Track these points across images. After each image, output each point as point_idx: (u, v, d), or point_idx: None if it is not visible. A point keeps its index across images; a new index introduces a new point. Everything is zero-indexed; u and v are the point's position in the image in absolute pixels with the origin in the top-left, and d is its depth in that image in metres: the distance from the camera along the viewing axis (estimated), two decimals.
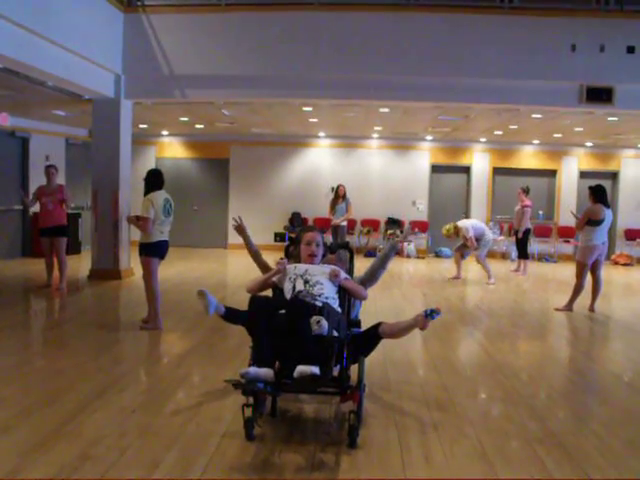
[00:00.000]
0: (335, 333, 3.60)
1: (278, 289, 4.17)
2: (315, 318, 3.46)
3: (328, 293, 3.91)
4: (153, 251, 6.30)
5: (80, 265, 11.37)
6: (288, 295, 3.93)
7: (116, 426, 3.68)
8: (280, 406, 4.03)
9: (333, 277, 3.99)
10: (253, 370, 3.41)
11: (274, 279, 4.18)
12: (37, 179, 12.91)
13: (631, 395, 4.84)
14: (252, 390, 3.38)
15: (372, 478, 3.12)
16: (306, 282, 3.94)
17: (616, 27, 8.98)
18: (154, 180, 6.36)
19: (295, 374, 3.32)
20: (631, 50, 8.85)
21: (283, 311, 3.70)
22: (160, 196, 6.30)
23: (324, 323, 3.44)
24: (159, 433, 3.61)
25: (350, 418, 3.49)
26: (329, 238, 11.51)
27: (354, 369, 3.93)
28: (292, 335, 3.51)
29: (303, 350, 3.43)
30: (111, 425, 3.70)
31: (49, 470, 3.05)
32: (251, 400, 3.53)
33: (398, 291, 9.97)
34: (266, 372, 3.40)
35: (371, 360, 4.45)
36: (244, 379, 3.39)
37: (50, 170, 8.87)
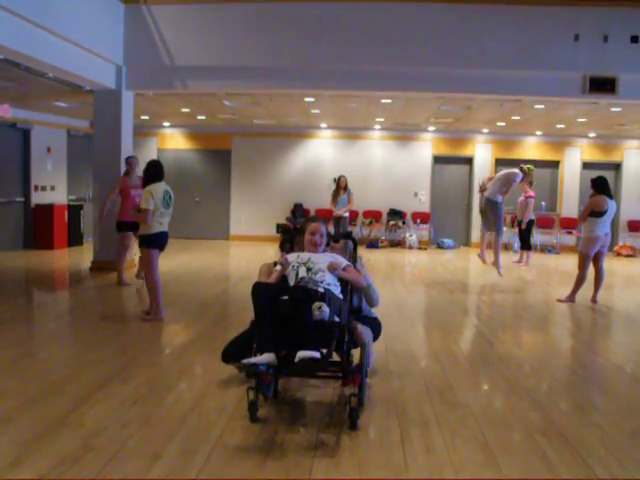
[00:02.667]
0: (336, 319, 3.69)
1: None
2: (317, 304, 3.57)
3: (330, 280, 3.99)
4: (153, 242, 6.31)
5: (82, 257, 11.39)
6: (291, 282, 4.00)
7: (118, 417, 3.69)
8: (283, 389, 4.10)
9: (332, 269, 4.05)
10: (254, 359, 3.48)
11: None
12: (38, 171, 12.96)
13: (633, 386, 4.83)
14: (255, 372, 3.48)
15: (374, 465, 3.13)
16: (309, 269, 4.02)
17: (620, 17, 8.91)
18: (154, 171, 6.36)
19: (296, 359, 3.41)
20: (635, 40, 8.78)
21: (285, 297, 3.73)
22: (160, 187, 6.31)
23: (325, 309, 3.56)
24: (161, 423, 3.62)
25: (351, 401, 3.59)
26: (331, 229, 11.51)
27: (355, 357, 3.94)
28: (294, 321, 3.58)
29: (304, 335, 3.51)
30: (113, 416, 3.70)
31: (51, 460, 3.06)
32: (255, 383, 3.64)
33: (400, 282, 9.96)
34: (267, 357, 3.48)
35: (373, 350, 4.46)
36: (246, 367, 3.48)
37: (131, 161, 8.67)
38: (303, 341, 3.48)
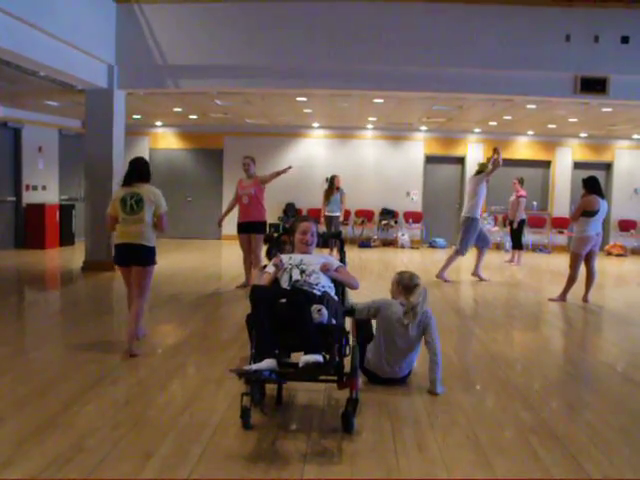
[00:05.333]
0: (333, 321, 3.65)
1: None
2: (316, 306, 3.53)
3: (324, 282, 3.95)
4: (114, 255, 5.52)
5: (74, 257, 11.34)
6: (284, 284, 3.95)
7: (109, 417, 3.68)
8: (273, 395, 3.99)
9: (324, 270, 4.02)
10: (255, 366, 3.41)
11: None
12: (30, 170, 12.89)
13: (624, 385, 4.86)
14: (258, 378, 3.37)
15: (366, 465, 3.13)
16: (302, 272, 3.97)
17: (610, 17, 8.97)
18: (126, 173, 5.34)
19: (300, 364, 3.37)
20: (625, 40, 8.84)
21: (283, 300, 3.70)
22: (122, 190, 5.20)
23: (325, 311, 3.52)
24: (152, 424, 3.60)
25: (347, 404, 3.55)
26: (323, 229, 11.50)
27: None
28: (293, 324, 3.54)
29: (305, 339, 3.47)
30: (104, 416, 3.69)
31: (43, 461, 3.04)
32: (250, 390, 3.54)
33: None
34: (268, 362, 3.42)
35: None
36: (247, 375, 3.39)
37: (245, 161, 8.41)
38: (305, 345, 3.45)
